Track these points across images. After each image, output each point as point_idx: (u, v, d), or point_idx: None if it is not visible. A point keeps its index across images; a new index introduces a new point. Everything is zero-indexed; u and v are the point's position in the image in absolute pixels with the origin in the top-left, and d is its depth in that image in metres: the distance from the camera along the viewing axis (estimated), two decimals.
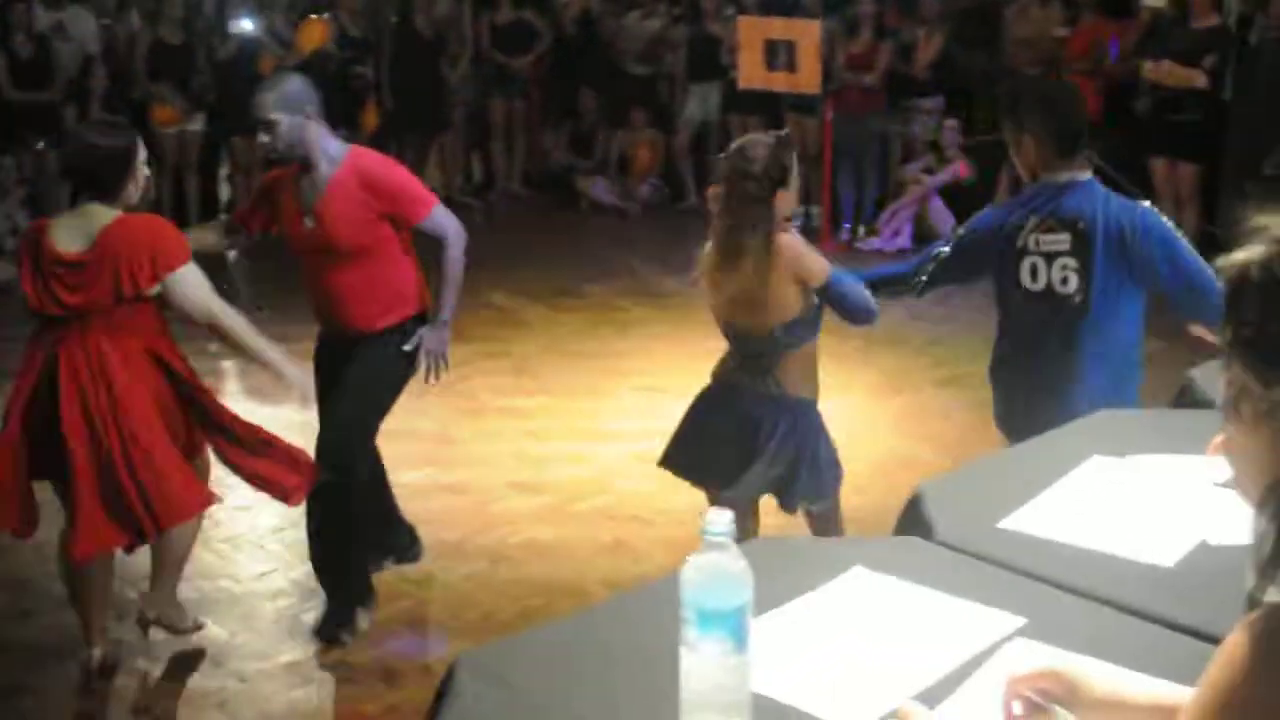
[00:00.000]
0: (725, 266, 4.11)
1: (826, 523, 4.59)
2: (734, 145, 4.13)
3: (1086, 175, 4.00)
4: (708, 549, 1.88)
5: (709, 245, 4.21)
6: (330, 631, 4.68)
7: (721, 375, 4.50)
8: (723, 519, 1.88)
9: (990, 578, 2.25)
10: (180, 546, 4.56)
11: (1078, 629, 2.03)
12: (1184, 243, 3.92)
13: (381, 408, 4.67)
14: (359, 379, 4.60)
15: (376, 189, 4.48)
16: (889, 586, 2.23)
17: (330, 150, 4.51)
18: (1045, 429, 3.01)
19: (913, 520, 2.51)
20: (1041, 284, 3.97)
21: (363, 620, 4.74)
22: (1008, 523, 2.43)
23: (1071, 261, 3.92)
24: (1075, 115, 4.06)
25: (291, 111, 4.42)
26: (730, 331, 4.34)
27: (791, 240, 4.09)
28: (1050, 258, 3.95)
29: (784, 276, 4.04)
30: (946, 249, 4.27)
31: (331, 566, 4.73)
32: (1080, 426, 2.97)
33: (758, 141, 4.09)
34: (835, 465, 4.49)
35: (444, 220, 4.60)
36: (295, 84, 4.57)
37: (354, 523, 4.65)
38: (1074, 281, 3.92)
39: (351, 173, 4.48)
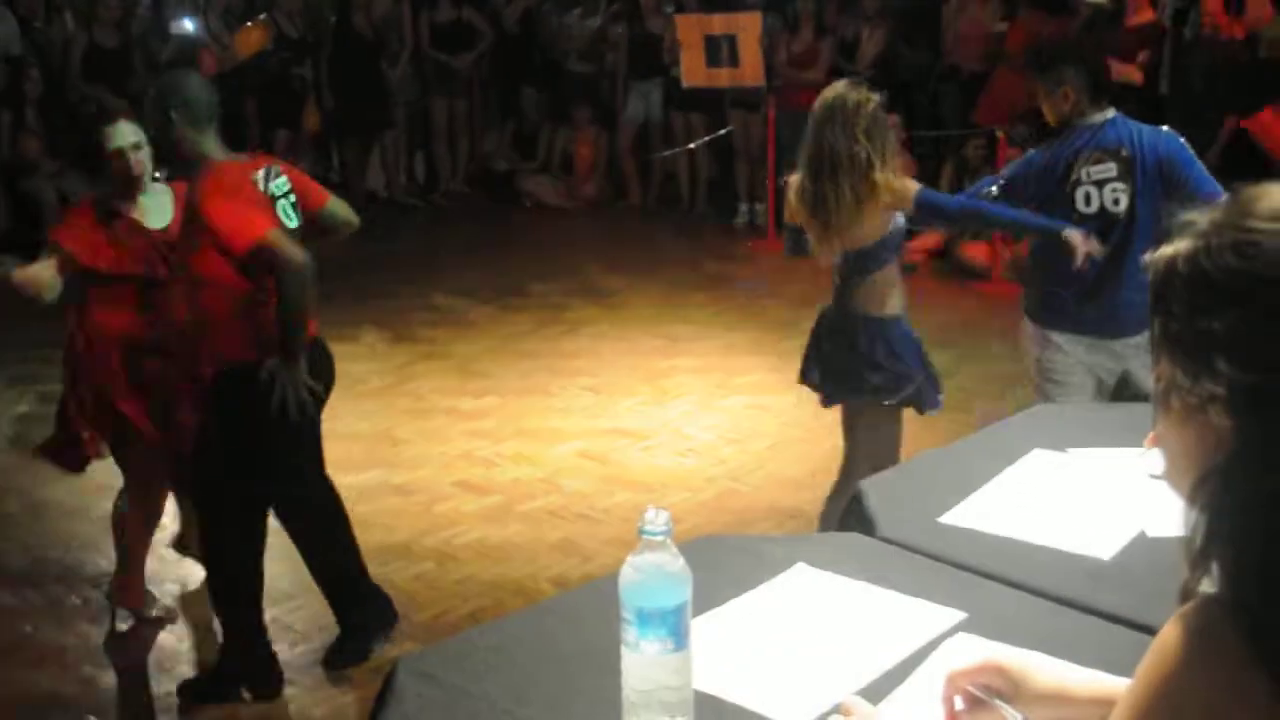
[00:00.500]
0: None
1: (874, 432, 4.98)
2: (825, 96, 4.61)
3: (1114, 113, 4.77)
4: (645, 549, 1.89)
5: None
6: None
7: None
8: (660, 518, 1.89)
9: (932, 572, 2.26)
10: None
11: (1019, 622, 2.04)
12: (1198, 162, 4.72)
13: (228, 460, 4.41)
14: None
15: (201, 214, 4.10)
16: (831, 583, 2.23)
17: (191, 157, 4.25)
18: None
19: (855, 516, 2.51)
20: (1095, 207, 4.69)
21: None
22: (949, 517, 2.45)
23: (1120, 185, 4.66)
24: (1103, 67, 4.94)
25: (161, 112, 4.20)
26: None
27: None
28: (1101, 184, 4.68)
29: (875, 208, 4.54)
30: (994, 189, 4.85)
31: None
32: (1021, 420, 2.99)
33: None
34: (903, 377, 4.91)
35: (275, 253, 4.03)
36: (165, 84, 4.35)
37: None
38: (1124, 201, 4.66)
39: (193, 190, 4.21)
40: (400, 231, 10.42)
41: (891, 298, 4.79)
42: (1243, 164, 8.44)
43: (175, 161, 4.39)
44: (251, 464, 4.27)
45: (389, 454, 6.38)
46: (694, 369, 7.64)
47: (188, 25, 10.29)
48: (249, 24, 10.53)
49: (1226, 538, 1.22)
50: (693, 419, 6.90)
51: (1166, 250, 1.29)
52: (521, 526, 5.65)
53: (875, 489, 2.55)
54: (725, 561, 2.30)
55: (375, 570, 4.83)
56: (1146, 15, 8.92)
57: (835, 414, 6.87)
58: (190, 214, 4.10)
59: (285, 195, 4.35)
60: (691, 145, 11.02)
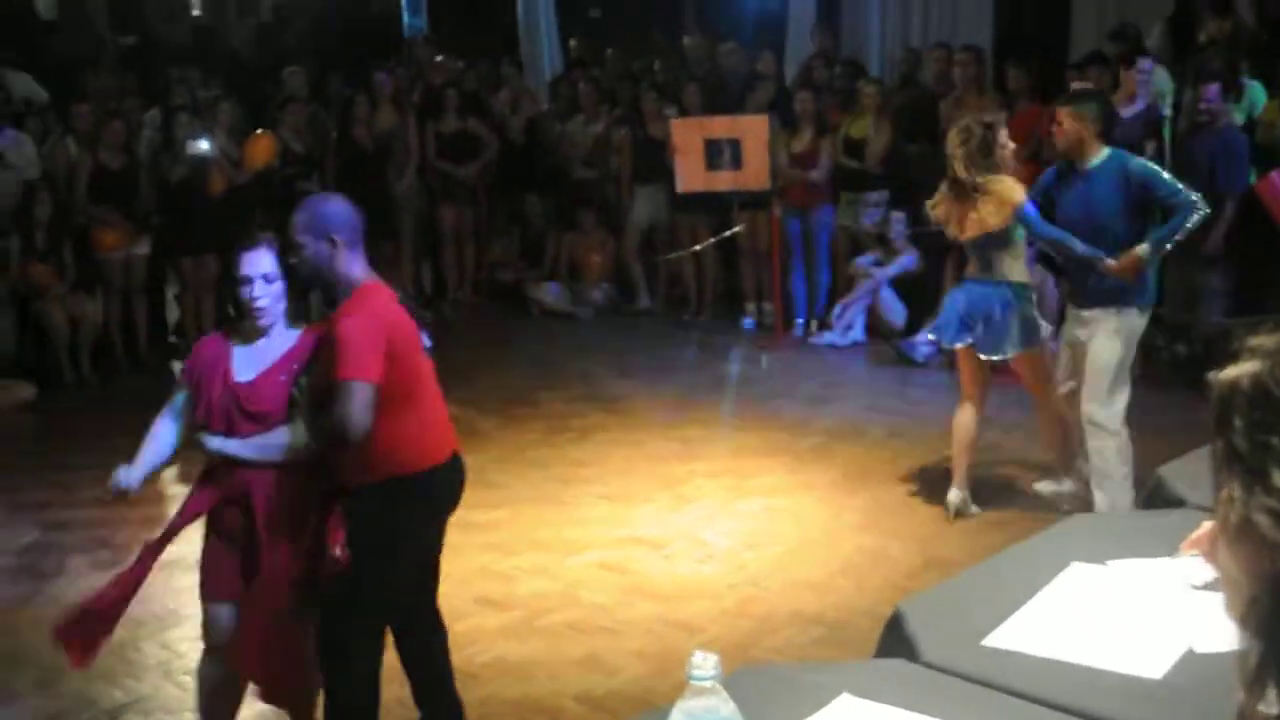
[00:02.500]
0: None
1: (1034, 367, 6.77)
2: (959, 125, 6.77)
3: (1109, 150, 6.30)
4: (693, 695, 1.84)
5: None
6: None
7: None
8: (708, 663, 1.85)
9: (979, 698, 2.22)
10: None
11: None
12: (1164, 176, 6.34)
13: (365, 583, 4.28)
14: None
15: (331, 332, 4.10)
16: (878, 714, 2.19)
17: (354, 281, 4.19)
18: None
19: (895, 639, 2.47)
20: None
21: None
22: (992, 640, 2.41)
23: None
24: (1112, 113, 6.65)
25: (316, 236, 4.16)
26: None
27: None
28: None
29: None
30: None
31: None
32: (1057, 532, 2.95)
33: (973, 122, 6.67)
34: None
35: (348, 397, 3.96)
36: (322, 206, 4.30)
37: None
38: None
39: (338, 311, 4.16)
40: (428, 331, 10.41)
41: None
42: (1253, 240, 8.50)
43: (327, 286, 4.29)
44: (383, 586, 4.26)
45: None
46: (708, 473, 7.60)
47: (203, 145, 10.34)
48: (257, 132, 10.59)
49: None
50: (710, 524, 6.84)
51: (1231, 371, 1.29)
52: (542, 642, 5.58)
53: (915, 611, 2.51)
54: (768, 695, 2.26)
55: (395, 691, 4.74)
56: (1136, 104, 9.00)
57: (854, 514, 6.89)
58: (330, 332, 4.09)
59: (417, 318, 4.39)
60: (697, 247, 11.05)
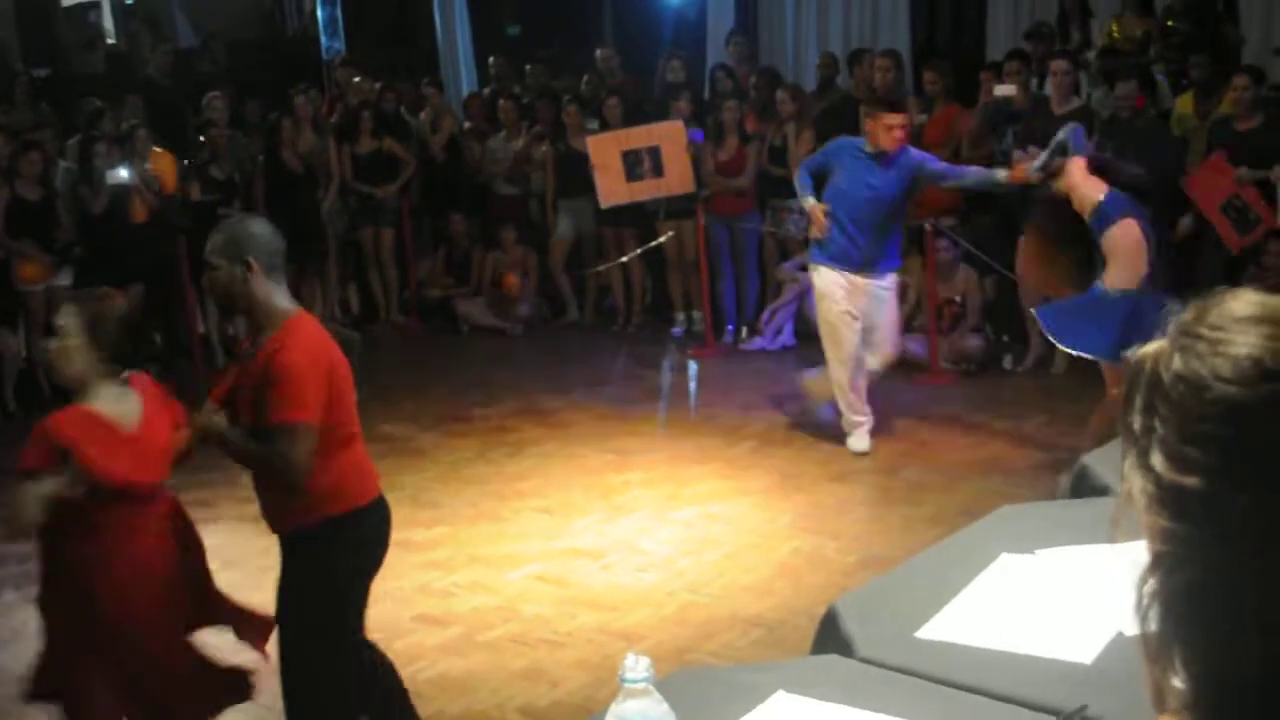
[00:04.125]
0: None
1: None
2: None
3: None
4: (627, 697, 1.86)
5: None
6: None
7: None
8: (640, 665, 1.86)
9: (913, 690, 2.25)
10: None
11: None
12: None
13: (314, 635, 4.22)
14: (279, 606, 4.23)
15: (269, 369, 3.95)
16: (812, 710, 2.21)
17: (275, 310, 4.07)
18: None
19: (830, 637, 2.50)
20: None
21: None
22: (925, 632, 2.44)
23: None
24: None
25: (231, 260, 4.03)
26: None
27: None
28: None
29: None
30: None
31: None
32: (986, 524, 2.99)
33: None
34: None
35: (288, 438, 3.89)
36: (240, 228, 4.17)
37: None
38: None
39: (272, 342, 4.01)
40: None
41: None
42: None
43: (245, 315, 4.20)
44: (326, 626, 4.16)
45: None
46: (644, 482, 7.62)
47: (122, 174, 10.23)
48: (156, 149, 10.47)
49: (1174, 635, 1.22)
50: (648, 533, 6.86)
51: (1142, 350, 1.31)
52: (484, 656, 5.58)
53: (849, 608, 2.54)
54: (704, 696, 2.27)
55: None
56: (1072, 103, 9.11)
57: (789, 516, 6.93)
58: (264, 366, 3.94)
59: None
60: (624, 258, 11.08)
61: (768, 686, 2.27)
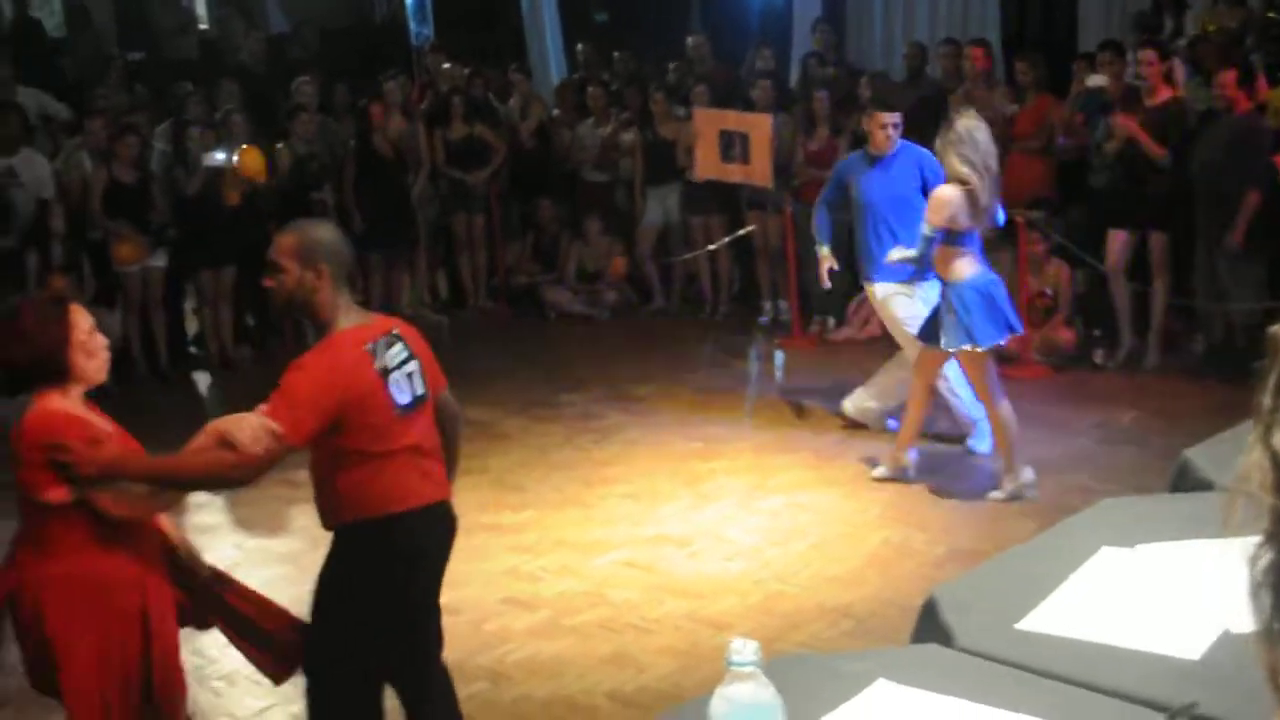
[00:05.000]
0: None
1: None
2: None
3: None
4: (734, 680, 1.87)
5: None
6: None
7: None
8: (747, 648, 1.87)
9: (1015, 682, 2.24)
10: None
11: None
12: None
13: (334, 624, 4.13)
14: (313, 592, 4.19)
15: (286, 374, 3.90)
16: (914, 698, 2.21)
17: (325, 322, 4.02)
18: None
19: (929, 626, 2.50)
20: None
21: None
22: (1026, 623, 2.43)
23: None
24: None
25: (304, 264, 3.96)
26: None
27: None
28: None
29: None
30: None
31: None
32: (1086, 518, 2.97)
33: None
34: None
35: (264, 450, 3.73)
36: (314, 233, 4.08)
37: None
38: None
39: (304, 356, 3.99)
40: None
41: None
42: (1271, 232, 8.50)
43: (306, 319, 4.13)
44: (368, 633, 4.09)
45: None
46: (730, 470, 7.63)
47: (218, 157, 10.39)
48: (244, 146, 10.60)
49: None
50: (734, 521, 6.88)
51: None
52: (572, 640, 5.62)
53: (948, 597, 2.54)
54: (804, 682, 2.28)
55: None
56: (1165, 94, 8.96)
57: (877, 507, 6.91)
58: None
59: (402, 365, 4.04)
60: (712, 246, 11.08)
61: (868, 674, 2.28)
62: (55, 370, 3.86)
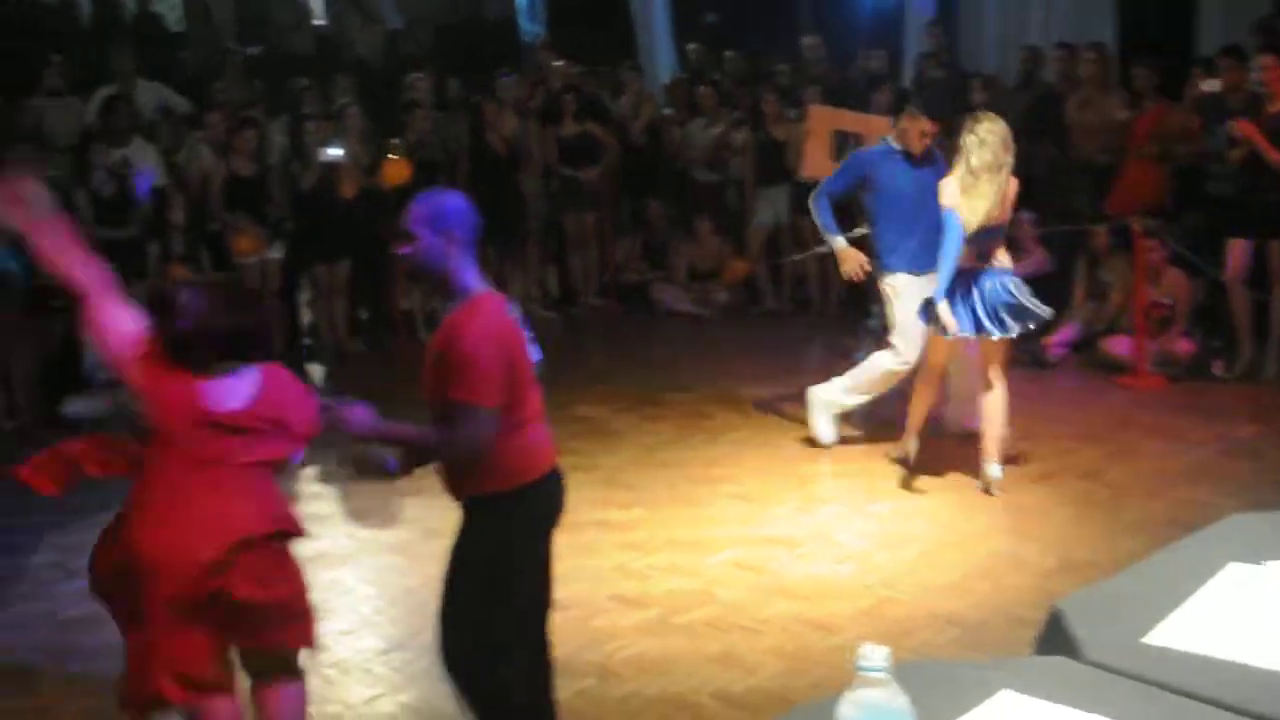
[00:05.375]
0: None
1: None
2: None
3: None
4: (862, 685, 1.87)
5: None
6: None
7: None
8: (878, 654, 1.88)
9: (1143, 697, 2.23)
10: None
11: None
12: None
13: (479, 597, 4.21)
14: (449, 566, 4.24)
15: (454, 346, 4.01)
16: (1039, 711, 2.21)
17: (468, 286, 4.13)
18: None
19: (1054, 638, 2.49)
20: None
21: None
22: (1154, 638, 2.41)
23: None
24: None
25: (434, 229, 4.08)
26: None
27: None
28: None
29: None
30: None
31: None
32: (1213, 533, 2.95)
33: None
34: None
35: (471, 421, 3.95)
36: (442, 200, 4.19)
37: None
38: None
39: (456, 319, 4.07)
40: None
41: None
42: None
43: (437, 288, 4.22)
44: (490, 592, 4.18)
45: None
46: (841, 473, 7.63)
47: (335, 151, 10.55)
48: (394, 157, 10.73)
49: None
50: (844, 525, 6.87)
51: None
52: (680, 639, 5.63)
53: (1074, 609, 2.53)
54: (927, 690, 2.27)
55: None
56: None
57: (987, 516, 6.86)
58: (445, 342, 4.02)
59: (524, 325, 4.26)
60: (822, 248, 11.05)
61: (993, 684, 2.28)
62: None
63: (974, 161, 6.75)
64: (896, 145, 7.68)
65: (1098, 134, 10.47)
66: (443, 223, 4.06)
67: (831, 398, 8.05)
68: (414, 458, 4.13)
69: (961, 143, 6.83)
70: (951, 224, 6.74)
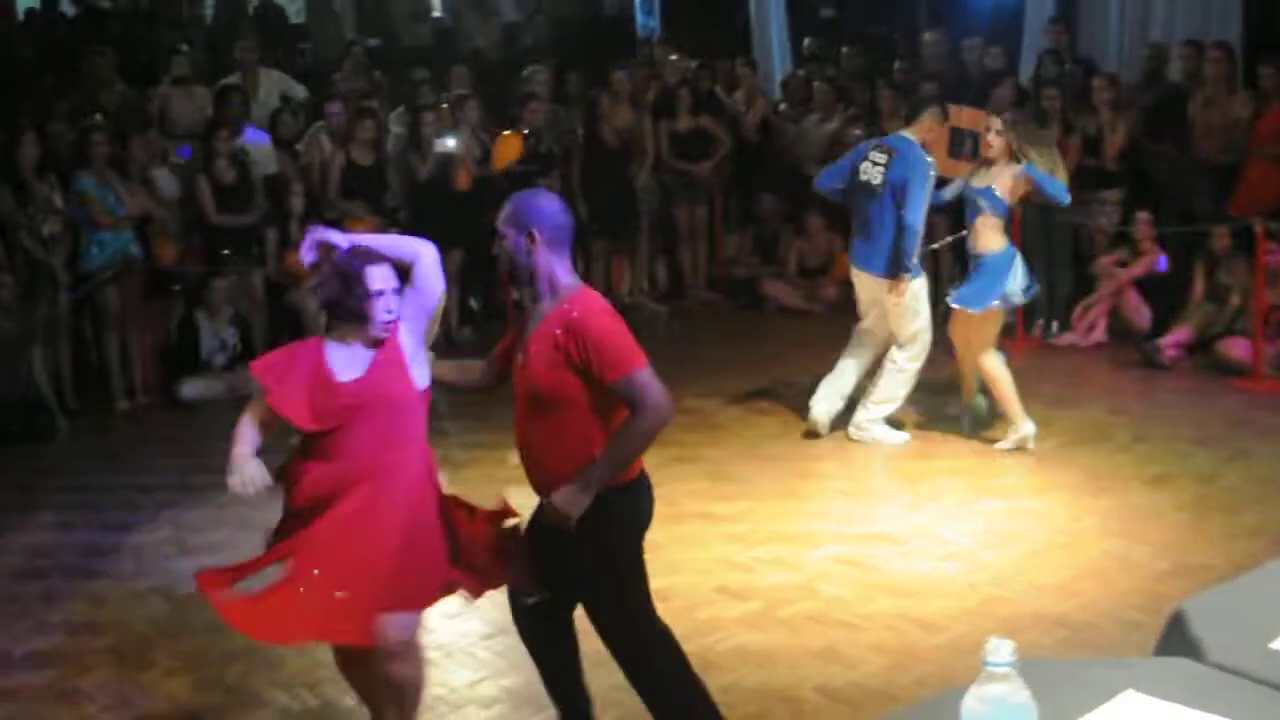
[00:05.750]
0: None
1: None
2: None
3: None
4: (988, 680, 1.87)
5: None
6: None
7: None
8: (1004, 649, 1.87)
9: (1268, 700, 2.19)
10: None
11: None
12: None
13: (613, 586, 4.33)
14: (585, 574, 4.32)
15: (577, 336, 4.06)
16: (1162, 712, 2.18)
17: (558, 283, 4.23)
18: None
19: (1177, 639, 2.45)
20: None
21: None
22: None
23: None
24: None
25: (518, 229, 4.19)
26: None
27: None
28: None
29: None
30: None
31: None
32: None
33: None
34: None
35: (641, 388, 4.04)
36: (529, 200, 4.29)
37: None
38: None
39: (562, 313, 4.13)
40: (646, 336, 10.54)
41: None
42: None
43: (528, 285, 4.27)
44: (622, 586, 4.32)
45: (647, 558, 6.41)
46: (948, 471, 7.56)
47: (451, 143, 10.66)
48: (506, 133, 10.85)
49: None
50: (951, 522, 6.81)
51: None
52: (782, 632, 5.62)
53: (1198, 611, 2.49)
54: (1051, 688, 2.25)
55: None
56: None
57: (1097, 517, 6.77)
58: (565, 334, 4.07)
59: None
60: (935, 245, 10.94)
61: (1117, 684, 2.25)
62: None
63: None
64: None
65: (1221, 134, 10.27)
66: (526, 222, 4.15)
67: (872, 417, 8.10)
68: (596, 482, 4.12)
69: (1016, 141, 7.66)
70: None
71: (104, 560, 6.90)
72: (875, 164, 7.87)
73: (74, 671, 5.60)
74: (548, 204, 4.28)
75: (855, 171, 7.99)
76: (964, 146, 9.86)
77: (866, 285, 8.05)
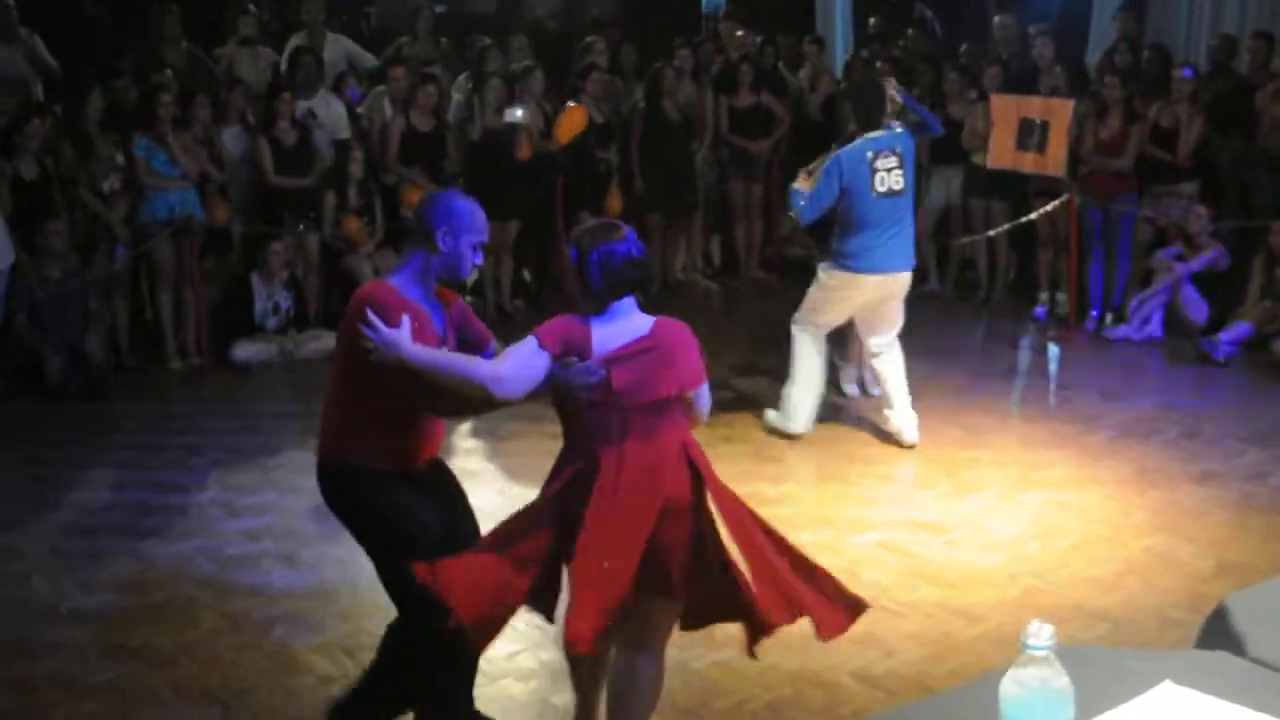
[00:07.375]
0: None
1: None
2: None
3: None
4: (1028, 663, 1.86)
5: None
6: None
7: None
8: (1044, 633, 1.87)
9: None
10: None
11: None
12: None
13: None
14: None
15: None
16: (1200, 704, 2.17)
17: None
18: None
19: (1219, 633, 2.44)
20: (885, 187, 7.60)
21: None
22: None
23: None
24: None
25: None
26: None
27: None
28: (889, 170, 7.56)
29: None
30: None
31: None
32: None
33: None
34: None
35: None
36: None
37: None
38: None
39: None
40: (698, 313, 10.53)
41: None
42: None
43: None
44: None
45: None
46: (993, 461, 7.52)
47: (518, 113, 10.65)
48: (571, 104, 10.85)
49: None
50: (994, 513, 6.78)
51: None
52: None
53: (1241, 606, 2.47)
54: (1089, 675, 2.25)
55: (675, 655, 4.74)
56: None
57: (1143, 513, 6.72)
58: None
59: None
60: (992, 232, 10.89)
61: (1155, 675, 2.24)
62: None
63: None
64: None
65: None
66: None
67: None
68: None
69: None
70: None
71: (152, 519, 6.97)
72: (889, 170, 7.57)
73: (119, 629, 5.68)
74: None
75: (869, 187, 7.55)
76: (1032, 137, 9.79)
77: (892, 285, 7.87)
